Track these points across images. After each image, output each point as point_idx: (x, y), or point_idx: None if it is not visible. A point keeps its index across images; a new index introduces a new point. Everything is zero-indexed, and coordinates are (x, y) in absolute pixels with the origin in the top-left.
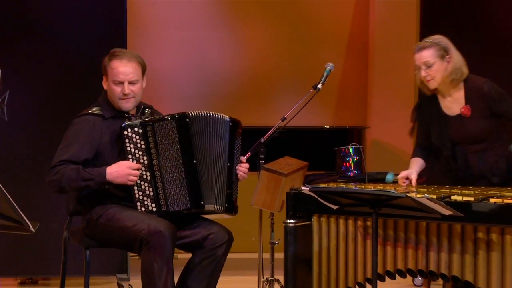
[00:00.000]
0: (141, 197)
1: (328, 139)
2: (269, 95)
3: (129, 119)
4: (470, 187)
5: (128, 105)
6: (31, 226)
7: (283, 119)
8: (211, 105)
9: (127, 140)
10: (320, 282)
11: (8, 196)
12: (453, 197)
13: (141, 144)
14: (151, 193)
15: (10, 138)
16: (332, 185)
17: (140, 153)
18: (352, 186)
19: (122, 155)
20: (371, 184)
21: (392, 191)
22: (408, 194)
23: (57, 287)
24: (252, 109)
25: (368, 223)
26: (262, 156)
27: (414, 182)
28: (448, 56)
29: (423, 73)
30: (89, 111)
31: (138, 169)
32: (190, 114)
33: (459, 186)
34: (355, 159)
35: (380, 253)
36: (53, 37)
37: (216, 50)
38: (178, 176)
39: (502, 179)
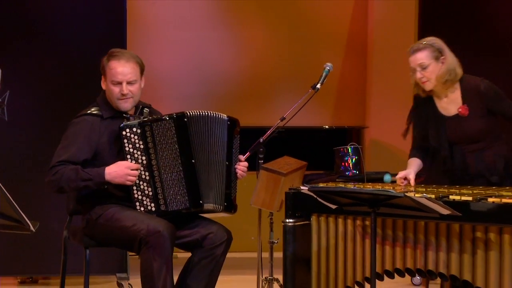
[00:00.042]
0: (140, 197)
1: (327, 139)
2: (268, 95)
3: (128, 119)
4: (469, 186)
5: (126, 105)
6: (31, 226)
7: (282, 119)
8: (211, 105)
9: (125, 140)
10: (319, 281)
11: (8, 195)
12: (451, 197)
13: (139, 144)
14: (150, 193)
15: (10, 138)
16: (331, 184)
17: (139, 153)
18: (351, 186)
19: (121, 155)
20: (370, 183)
21: (391, 190)
22: (406, 194)
23: (57, 286)
24: (251, 109)
25: (367, 222)
26: (261, 156)
27: (412, 182)
28: (442, 57)
29: (418, 74)
30: (88, 112)
31: (136, 169)
32: (188, 113)
33: (457, 186)
34: (353, 159)
35: (378, 253)
36: (53, 37)
37: (215, 50)
38: (177, 176)
39: (500, 178)
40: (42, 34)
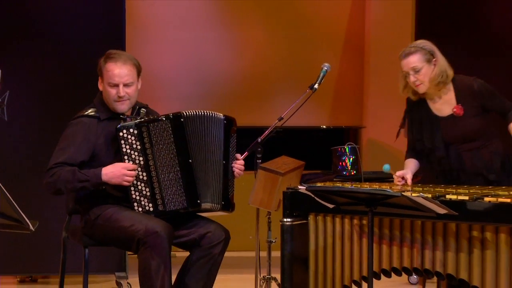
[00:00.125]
0: (138, 197)
1: (325, 138)
2: (266, 95)
3: (124, 120)
4: (465, 186)
5: (123, 107)
6: (30, 225)
7: (280, 118)
8: (209, 105)
9: (122, 141)
10: (316, 280)
11: (8, 195)
12: (448, 196)
13: (136, 145)
14: (148, 193)
15: (10, 138)
16: (328, 184)
17: (136, 153)
18: (348, 185)
19: (118, 156)
20: (367, 183)
21: (388, 190)
22: (403, 193)
23: (57, 285)
24: (250, 108)
25: (364, 221)
26: (259, 156)
27: (409, 181)
28: (434, 59)
29: (412, 78)
30: (85, 113)
31: (133, 170)
32: (185, 113)
33: (454, 185)
34: (351, 159)
35: (376, 252)
36: (52, 37)
37: (214, 50)
38: (174, 176)
39: (497, 176)
40: (42, 34)
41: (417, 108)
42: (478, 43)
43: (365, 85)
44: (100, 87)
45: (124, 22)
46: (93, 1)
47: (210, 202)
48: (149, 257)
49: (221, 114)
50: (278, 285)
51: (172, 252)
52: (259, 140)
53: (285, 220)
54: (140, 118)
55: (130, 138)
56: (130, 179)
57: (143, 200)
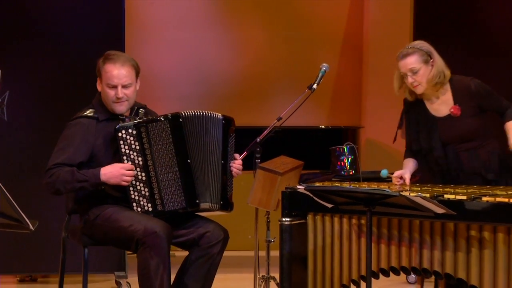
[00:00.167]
0: (136, 198)
1: (323, 138)
2: (265, 95)
3: (123, 121)
4: (463, 185)
5: (121, 108)
6: (30, 225)
7: (279, 118)
8: (208, 105)
9: (121, 142)
10: (315, 280)
11: (8, 195)
12: (446, 196)
13: (135, 145)
14: (147, 193)
15: (10, 138)
16: (327, 184)
17: (135, 154)
18: (346, 185)
19: (117, 157)
20: (366, 183)
21: (386, 189)
22: (401, 193)
23: (56, 284)
24: (248, 109)
25: (363, 221)
26: (258, 155)
27: (407, 181)
28: (431, 60)
29: (410, 79)
30: (83, 114)
31: (131, 170)
32: (183, 114)
33: (452, 185)
34: (349, 159)
35: (374, 251)
36: (52, 37)
37: (213, 50)
38: (173, 176)
39: (496, 175)
40: (42, 34)
41: (414, 109)
42: (476, 43)
43: (364, 85)
44: (99, 88)
45: (124, 22)
46: (93, 1)
47: (209, 202)
48: (148, 257)
49: (220, 114)
50: (277, 284)
51: (171, 252)
52: (258, 140)
53: (283, 219)
54: (139, 119)
55: (129, 139)
56: (129, 179)
57: (142, 200)
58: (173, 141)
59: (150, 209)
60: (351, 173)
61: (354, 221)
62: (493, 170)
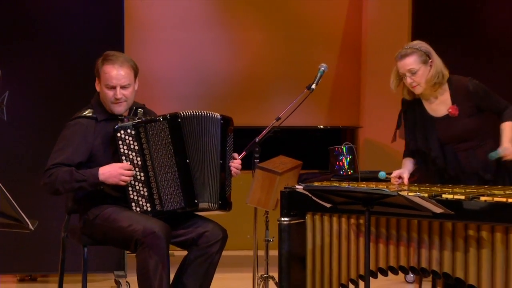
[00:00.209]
0: (135, 198)
1: (322, 138)
2: (264, 95)
3: (122, 121)
4: (461, 185)
5: (120, 109)
6: (30, 224)
7: (278, 119)
8: (207, 105)
9: (120, 142)
10: (314, 279)
11: (8, 195)
12: (444, 196)
13: (134, 145)
14: (146, 193)
15: (10, 138)
16: (325, 183)
17: (134, 154)
18: (345, 185)
19: (116, 157)
20: (364, 182)
21: (385, 189)
22: (400, 193)
23: (56, 284)
24: (247, 109)
25: (361, 221)
26: (257, 155)
27: (406, 181)
28: (430, 60)
29: (408, 80)
30: (82, 114)
31: (130, 170)
32: (182, 114)
33: (450, 185)
34: (348, 158)
35: (372, 251)
36: (52, 37)
37: (212, 50)
38: (172, 176)
39: (493, 175)
40: (42, 34)
41: (412, 109)
42: (474, 43)
43: (362, 85)
44: (97, 88)
45: (123, 22)
46: (93, 1)
47: (208, 202)
48: (147, 257)
49: (218, 114)
50: (276, 284)
51: (170, 251)
52: (257, 140)
53: (282, 219)
54: (138, 119)
55: (128, 139)
56: (127, 178)
57: (141, 200)
58: (171, 141)
59: (149, 209)
60: (349, 173)
61: (352, 220)
62: (490, 170)
